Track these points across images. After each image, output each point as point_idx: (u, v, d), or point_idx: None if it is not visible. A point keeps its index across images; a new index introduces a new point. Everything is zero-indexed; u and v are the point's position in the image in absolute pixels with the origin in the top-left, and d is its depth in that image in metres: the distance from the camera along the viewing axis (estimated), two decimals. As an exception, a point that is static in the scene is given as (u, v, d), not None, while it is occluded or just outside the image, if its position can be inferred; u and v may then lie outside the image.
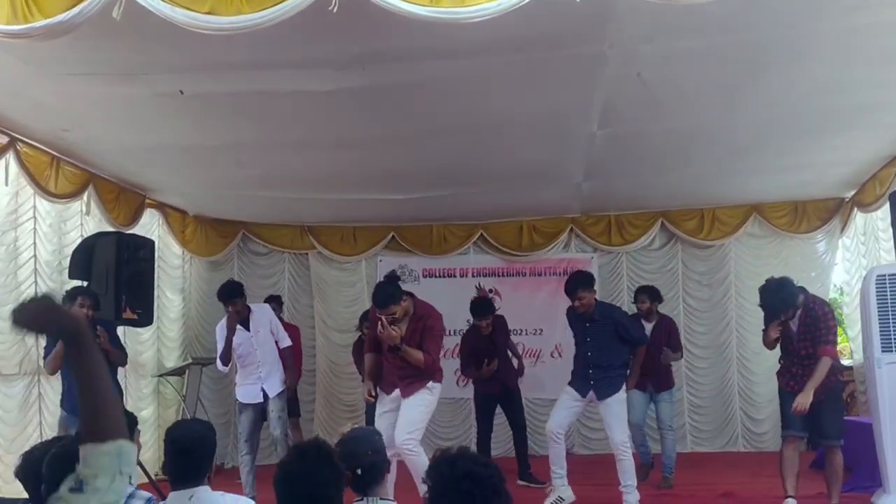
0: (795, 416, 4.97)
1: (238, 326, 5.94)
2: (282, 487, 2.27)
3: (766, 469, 4.98)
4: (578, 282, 5.64)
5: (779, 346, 5.21)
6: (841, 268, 8.24)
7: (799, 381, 5.00)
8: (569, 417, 5.77)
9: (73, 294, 5.26)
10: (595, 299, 5.66)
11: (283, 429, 6.09)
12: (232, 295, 5.94)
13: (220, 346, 5.97)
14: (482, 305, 6.81)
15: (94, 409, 1.54)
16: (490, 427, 6.94)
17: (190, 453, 2.61)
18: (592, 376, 5.56)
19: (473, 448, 7.67)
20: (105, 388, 1.58)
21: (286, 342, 6.26)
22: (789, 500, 4.90)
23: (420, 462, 4.83)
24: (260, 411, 6.03)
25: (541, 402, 7.78)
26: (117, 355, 5.41)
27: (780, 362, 5.27)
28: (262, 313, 6.23)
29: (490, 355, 6.69)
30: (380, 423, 4.99)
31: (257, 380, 6.03)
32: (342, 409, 7.89)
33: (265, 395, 6.01)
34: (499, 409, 6.99)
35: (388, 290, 4.89)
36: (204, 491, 2.63)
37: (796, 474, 4.96)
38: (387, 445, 4.68)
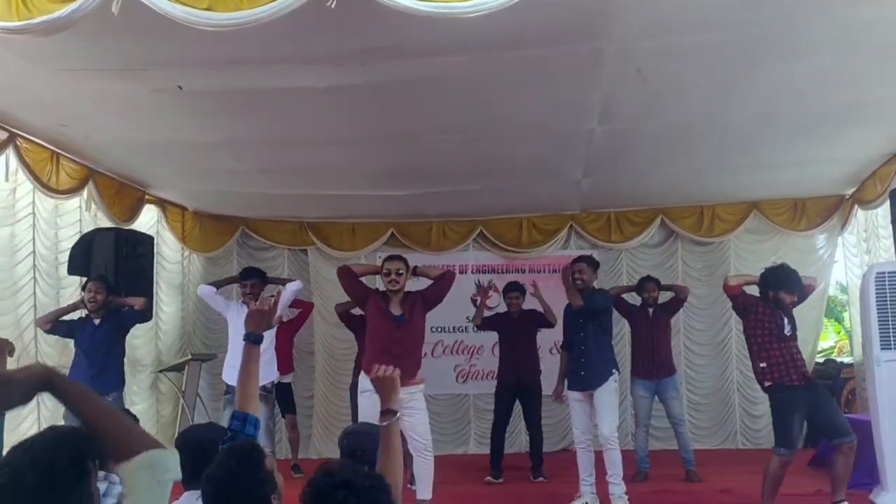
0: (794, 431, 4.82)
1: (242, 307, 6.12)
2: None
3: (763, 466, 4.96)
4: (582, 257, 6.02)
5: (758, 341, 5.07)
6: (841, 265, 8.24)
7: (802, 369, 4.95)
8: (586, 420, 5.74)
9: (86, 285, 5.50)
10: (594, 286, 5.82)
11: (271, 436, 6.09)
12: (242, 277, 6.24)
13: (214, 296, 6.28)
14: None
15: (116, 433, 1.59)
16: (502, 417, 6.91)
17: (203, 456, 2.64)
18: (584, 365, 5.67)
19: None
20: (112, 412, 1.65)
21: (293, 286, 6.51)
22: None
23: (432, 466, 5.16)
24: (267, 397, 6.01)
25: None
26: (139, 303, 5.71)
27: (763, 363, 4.99)
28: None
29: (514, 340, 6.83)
30: (363, 402, 5.04)
31: (265, 363, 6.02)
32: (341, 406, 7.88)
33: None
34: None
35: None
36: None
37: (777, 491, 4.89)
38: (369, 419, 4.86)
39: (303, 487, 1.86)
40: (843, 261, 8.16)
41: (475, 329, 7.39)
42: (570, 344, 5.92)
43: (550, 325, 6.78)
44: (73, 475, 1.52)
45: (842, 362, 8.66)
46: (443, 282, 5.44)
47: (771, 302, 5.03)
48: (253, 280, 6.21)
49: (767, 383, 4.97)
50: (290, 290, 6.49)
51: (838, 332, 12.72)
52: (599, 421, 5.56)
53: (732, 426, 8.17)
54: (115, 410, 1.79)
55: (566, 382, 5.98)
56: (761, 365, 5.00)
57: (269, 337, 6.11)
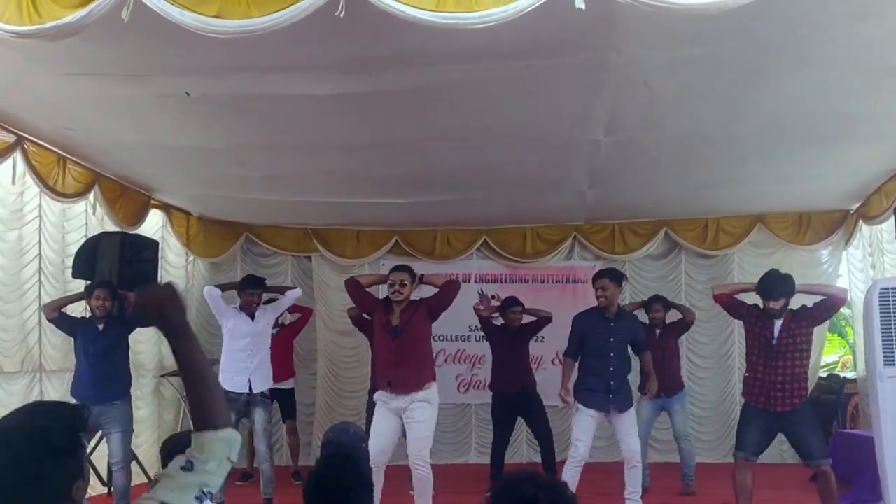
0: (749, 438, 4.96)
1: (240, 313, 6.13)
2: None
3: (764, 479, 4.96)
4: (605, 271, 5.75)
5: (748, 350, 5.16)
6: (846, 279, 8.22)
7: (776, 394, 4.90)
8: (592, 438, 5.54)
9: (90, 290, 5.46)
10: (619, 305, 5.69)
11: (269, 442, 6.09)
12: (246, 285, 6.25)
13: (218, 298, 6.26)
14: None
15: (207, 399, 1.61)
16: (504, 434, 6.81)
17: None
18: (613, 388, 5.44)
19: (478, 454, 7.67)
20: (212, 379, 1.66)
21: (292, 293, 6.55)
22: None
23: (428, 478, 5.07)
24: (241, 410, 6.00)
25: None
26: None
27: (748, 373, 5.14)
28: (270, 309, 6.33)
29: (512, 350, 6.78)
30: (380, 430, 5.03)
31: (244, 369, 6.03)
32: (343, 413, 7.87)
33: (250, 388, 6.00)
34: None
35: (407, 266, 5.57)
36: None
37: (749, 497, 4.92)
38: (380, 451, 4.86)
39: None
40: (847, 275, 8.13)
41: (477, 338, 7.37)
42: (592, 365, 5.56)
43: (549, 320, 6.78)
44: (67, 448, 1.52)
45: (845, 378, 8.62)
46: (448, 289, 5.42)
47: (763, 310, 5.03)
48: (253, 289, 6.22)
49: (742, 394, 5.24)
50: (290, 297, 6.51)
51: (842, 347, 12.67)
52: (626, 436, 5.45)
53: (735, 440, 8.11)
54: (216, 377, 1.78)
55: (581, 397, 5.57)
56: (746, 374, 5.21)
57: (263, 345, 6.14)
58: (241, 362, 6.05)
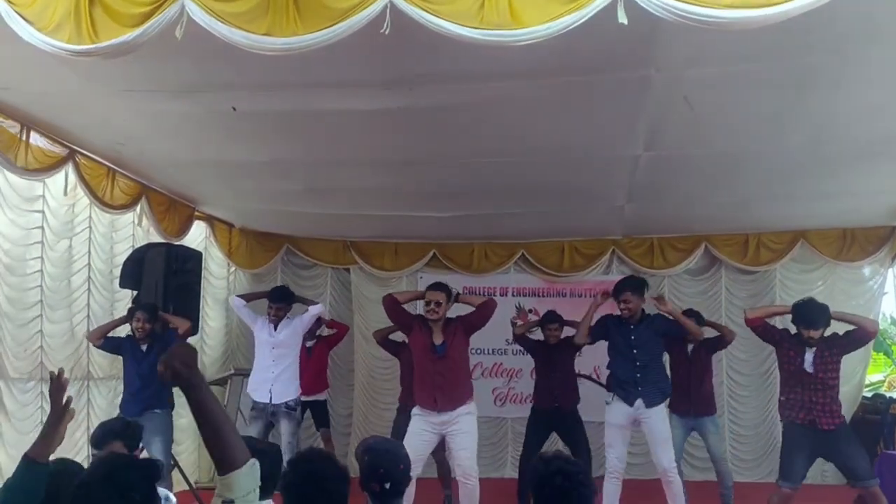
0: (795, 465, 4.87)
1: (267, 324, 6.32)
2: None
3: (805, 500, 4.87)
4: (627, 283, 5.76)
5: (783, 375, 5.16)
6: (892, 296, 8.06)
7: (816, 412, 4.86)
8: (624, 448, 5.62)
9: (132, 312, 5.69)
10: (642, 309, 5.67)
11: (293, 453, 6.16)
12: (270, 298, 6.41)
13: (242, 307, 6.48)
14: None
15: (225, 445, 1.77)
16: (531, 447, 6.67)
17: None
18: (640, 380, 5.49)
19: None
20: (227, 423, 1.81)
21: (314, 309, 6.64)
22: None
23: (476, 492, 5.18)
24: (266, 423, 6.10)
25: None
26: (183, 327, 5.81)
27: (783, 396, 5.13)
28: (295, 321, 6.44)
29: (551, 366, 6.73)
30: (416, 442, 5.07)
31: (267, 379, 6.15)
32: (379, 424, 7.91)
33: (271, 398, 6.10)
34: None
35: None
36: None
37: None
38: (415, 461, 4.90)
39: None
40: (893, 293, 7.97)
41: (514, 352, 7.35)
42: (617, 357, 5.70)
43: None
44: (144, 500, 1.70)
45: (891, 397, 8.41)
46: (485, 309, 5.48)
47: (798, 337, 5.00)
48: (281, 304, 6.40)
49: (781, 418, 5.15)
50: (311, 312, 6.60)
51: (888, 366, 12.37)
52: (655, 449, 5.43)
53: (776, 459, 7.91)
54: (231, 422, 1.92)
55: (611, 398, 5.71)
56: (781, 398, 5.15)
57: (286, 356, 6.24)
58: (264, 372, 6.21)
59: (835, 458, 4.99)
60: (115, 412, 5.68)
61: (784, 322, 5.59)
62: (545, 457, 2.49)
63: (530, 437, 6.74)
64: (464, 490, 5.15)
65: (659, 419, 5.45)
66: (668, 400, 5.62)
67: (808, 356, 4.92)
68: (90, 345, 5.86)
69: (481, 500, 5.68)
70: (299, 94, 4.31)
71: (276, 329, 6.30)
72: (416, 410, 5.34)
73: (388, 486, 2.83)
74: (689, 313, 6.71)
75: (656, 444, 5.42)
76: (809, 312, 4.97)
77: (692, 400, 6.31)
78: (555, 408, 6.66)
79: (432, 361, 5.32)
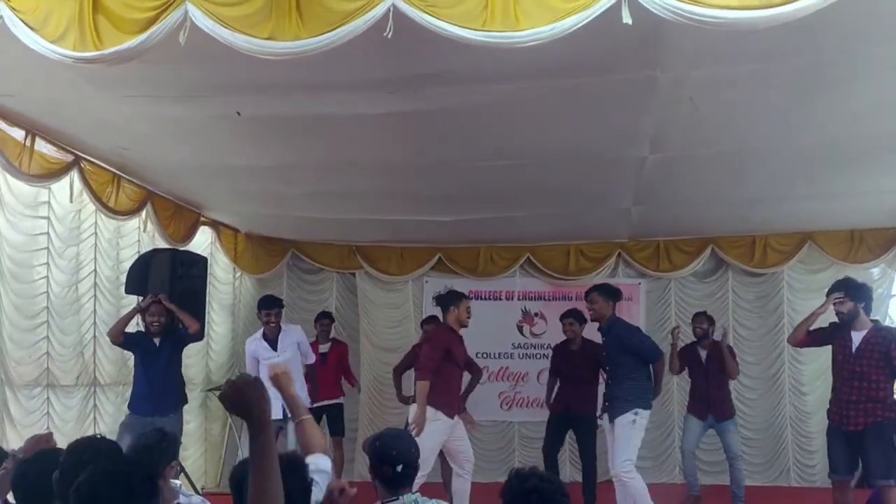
0: (838, 459, 5.02)
1: (265, 345, 6.38)
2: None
3: (814, 502, 4.88)
4: (595, 287, 5.96)
5: (832, 376, 5.22)
6: (899, 298, 8.00)
7: (849, 412, 4.89)
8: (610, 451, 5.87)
9: (148, 306, 5.71)
10: (613, 314, 5.69)
11: None
12: (262, 306, 6.55)
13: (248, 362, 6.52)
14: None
15: (262, 493, 1.74)
16: (552, 445, 6.84)
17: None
18: (606, 396, 5.76)
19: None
20: (276, 486, 1.77)
21: (310, 360, 6.72)
22: None
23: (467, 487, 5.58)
24: (276, 433, 6.14)
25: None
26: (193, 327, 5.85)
27: (831, 394, 5.27)
28: (291, 334, 6.47)
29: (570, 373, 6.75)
30: (435, 444, 5.44)
31: (276, 397, 6.16)
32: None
33: (284, 414, 6.13)
34: None
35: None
36: None
37: None
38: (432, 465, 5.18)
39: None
40: (901, 295, 7.92)
41: (520, 356, 7.35)
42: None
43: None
44: (146, 491, 1.68)
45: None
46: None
47: (839, 322, 5.16)
48: (272, 309, 6.48)
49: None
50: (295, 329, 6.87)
51: None
52: (611, 452, 5.62)
53: (785, 462, 7.93)
54: (279, 477, 1.84)
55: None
56: (830, 397, 5.30)
57: (296, 370, 6.29)
58: (271, 389, 6.21)
59: (861, 455, 5.06)
60: (122, 418, 5.68)
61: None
62: (522, 473, 2.44)
63: (548, 429, 6.88)
64: (461, 483, 5.62)
65: (618, 425, 5.55)
66: (639, 411, 5.54)
67: (856, 338, 5.02)
68: (98, 350, 5.87)
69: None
70: (303, 99, 4.29)
71: (275, 349, 6.35)
72: (439, 416, 5.53)
73: (399, 468, 2.84)
74: (703, 314, 6.74)
75: (612, 447, 5.63)
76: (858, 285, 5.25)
77: (707, 404, 6.33)
78: (563, 413, 6.71)
79: (460, 375, 5.86)
